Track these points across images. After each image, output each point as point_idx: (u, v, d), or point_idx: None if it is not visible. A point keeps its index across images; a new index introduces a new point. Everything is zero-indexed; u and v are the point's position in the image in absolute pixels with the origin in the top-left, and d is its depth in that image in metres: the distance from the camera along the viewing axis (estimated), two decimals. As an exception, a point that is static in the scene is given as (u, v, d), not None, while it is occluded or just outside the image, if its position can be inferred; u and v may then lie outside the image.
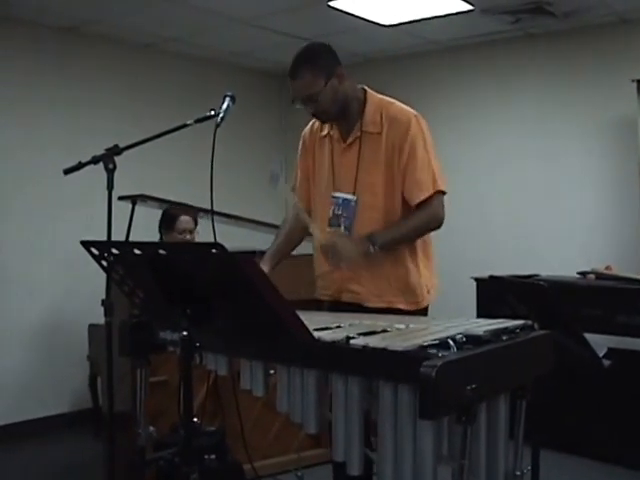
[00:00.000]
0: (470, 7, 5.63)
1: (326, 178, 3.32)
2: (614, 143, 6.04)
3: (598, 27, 6.05)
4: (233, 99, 3.09)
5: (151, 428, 2.98)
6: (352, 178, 3.21)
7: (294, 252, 3.56)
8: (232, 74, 7.32)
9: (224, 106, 3.06)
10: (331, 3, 5.52)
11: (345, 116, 3.24)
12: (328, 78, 3.11)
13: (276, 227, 3.86)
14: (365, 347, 2.16)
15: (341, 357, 2.23)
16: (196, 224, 5.09)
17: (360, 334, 2.30)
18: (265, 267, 3.32)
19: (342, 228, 3.21)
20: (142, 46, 6.70)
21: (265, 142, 7.87)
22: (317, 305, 3.60)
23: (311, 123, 3.44)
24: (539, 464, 3.06)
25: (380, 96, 3.27)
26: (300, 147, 3.50)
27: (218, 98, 3.11)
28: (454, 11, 5.73)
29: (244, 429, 3.40)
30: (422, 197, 3.13)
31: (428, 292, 3.28)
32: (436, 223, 3.20)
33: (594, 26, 6.05)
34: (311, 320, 2.35)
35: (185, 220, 5.05)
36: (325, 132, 3.35)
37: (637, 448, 4.78)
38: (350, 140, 3.23)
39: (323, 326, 2.48)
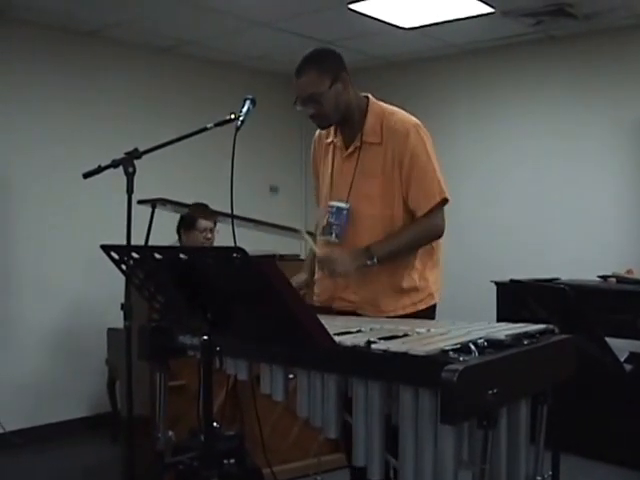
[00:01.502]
0: (491, 9, 5.60)
1: (327, 186, 3.32)
2: (635, 145, 5.99)
3: (619, 29, 6.01)
4: (254, 102, 3.06)
5: (170, 432, 2.98)
6: (347, 187, 3.20)
7: None
8: (252, 77, 7.31)
9: (244, 109, 3.02)
10: (351, 6, 5.51)
11: (347, 124, 3.22)
12: (333, 81, 3.09)
13: (296, 231, 3.86)
14: (386, 351, 2.15)
15: (362, 361, 2.22)
16: (215, 223, 5.19)
17: (381, 338, 2.29)
18: (304, 275, 3.40)
19: (333, 236, 3.19)
20: (161, 49, 6.72)
21: (285, 145, 7.87)
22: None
23: (318, 131, 3.41)
24: (560, 469, 3.05)
25: (383, 105, 3.24)
26: (311, 155, 3.50)
27: (238, 101, 3.09)
28: (475, 14, 5.71)
29: (263, 433, 3.39)
30: (429, 206, 3.11)
31: (430, 295, 3.24)
32: (436, 234, 3.19)
33: (615, 28, 6.01)
34: (332, 324, 2.35)
35: (205, 220, 5.18)
36: (330, 140, 3.34)
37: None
38: (351, 150, 3.22)
39: (344, 330, 2.47)
